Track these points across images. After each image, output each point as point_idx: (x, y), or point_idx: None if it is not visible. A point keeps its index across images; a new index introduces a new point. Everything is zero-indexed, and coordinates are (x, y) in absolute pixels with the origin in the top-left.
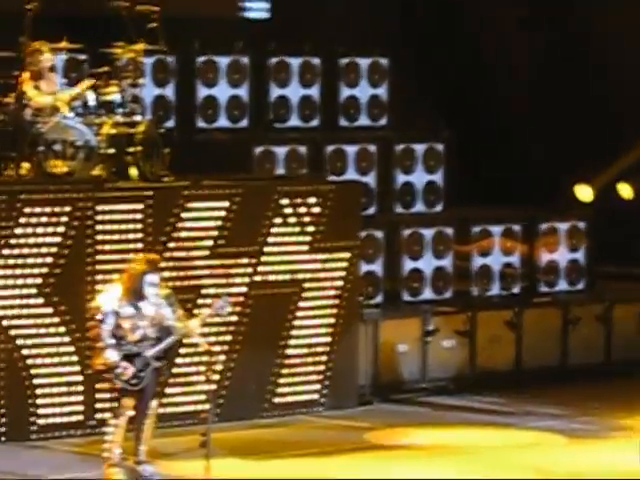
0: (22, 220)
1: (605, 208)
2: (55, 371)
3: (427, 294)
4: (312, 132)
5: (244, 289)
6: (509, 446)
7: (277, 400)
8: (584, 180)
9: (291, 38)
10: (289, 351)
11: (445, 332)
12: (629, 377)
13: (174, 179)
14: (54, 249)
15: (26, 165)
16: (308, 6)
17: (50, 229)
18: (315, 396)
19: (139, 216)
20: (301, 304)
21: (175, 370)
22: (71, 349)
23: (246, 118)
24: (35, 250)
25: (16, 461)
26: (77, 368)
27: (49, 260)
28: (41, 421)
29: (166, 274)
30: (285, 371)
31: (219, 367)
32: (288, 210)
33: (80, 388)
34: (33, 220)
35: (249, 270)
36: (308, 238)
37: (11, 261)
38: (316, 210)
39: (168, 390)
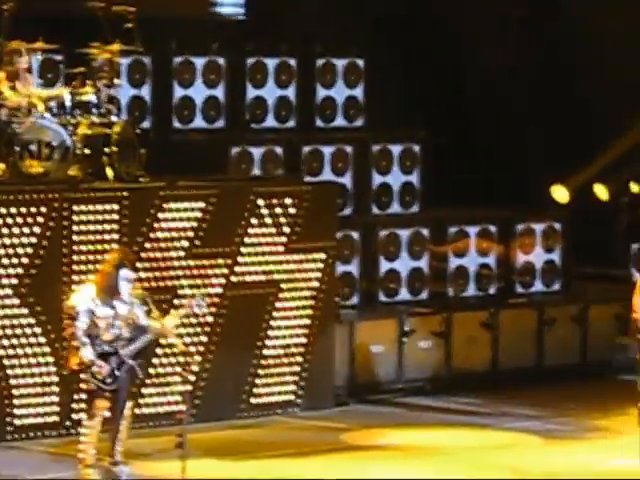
0: None
1: (581, 209)
2: (31, 372)
3: (403, 295)
4: (288, 133)
5: (220, 290)
6: (485, 447)
7: (253, 401)
8: (560, 181)
9: (267, 38)
10: (265, 352)
11: (421, 333)
12: (604, 378)
13: (150, 180)
14: (30, 249)
15: (1, 165)
16: (283, 5)
17: (26, 229)
18: (291, 397)
19: (115, 216)
20: (277, 305)
21: (151, 370)
22: (47, 350)
23: (222, 119)
24: (11, 250)
25: None
26: (53, 369)
27: (25, 261)
28: (17, 422)
29: (142, 274)
30: (261, 372)
31: (195, 368)
32: (264, 211)
33: (56, 389)
34: (9, 220)
35: (225, 271)
36: (284, 239)
37: None
38: (292, 211)
39: (144, 390)
